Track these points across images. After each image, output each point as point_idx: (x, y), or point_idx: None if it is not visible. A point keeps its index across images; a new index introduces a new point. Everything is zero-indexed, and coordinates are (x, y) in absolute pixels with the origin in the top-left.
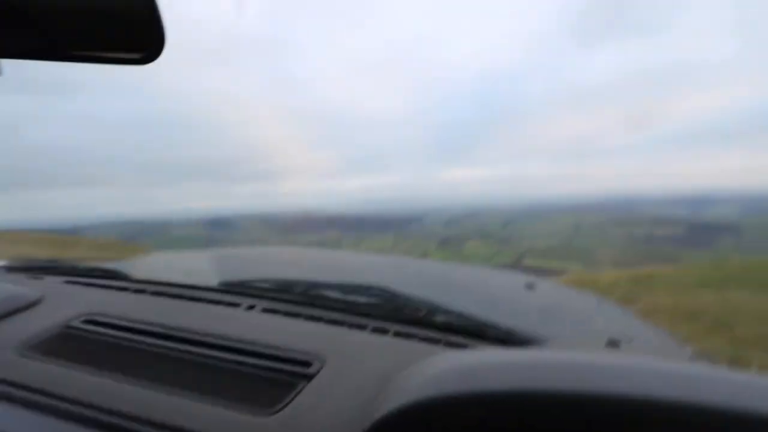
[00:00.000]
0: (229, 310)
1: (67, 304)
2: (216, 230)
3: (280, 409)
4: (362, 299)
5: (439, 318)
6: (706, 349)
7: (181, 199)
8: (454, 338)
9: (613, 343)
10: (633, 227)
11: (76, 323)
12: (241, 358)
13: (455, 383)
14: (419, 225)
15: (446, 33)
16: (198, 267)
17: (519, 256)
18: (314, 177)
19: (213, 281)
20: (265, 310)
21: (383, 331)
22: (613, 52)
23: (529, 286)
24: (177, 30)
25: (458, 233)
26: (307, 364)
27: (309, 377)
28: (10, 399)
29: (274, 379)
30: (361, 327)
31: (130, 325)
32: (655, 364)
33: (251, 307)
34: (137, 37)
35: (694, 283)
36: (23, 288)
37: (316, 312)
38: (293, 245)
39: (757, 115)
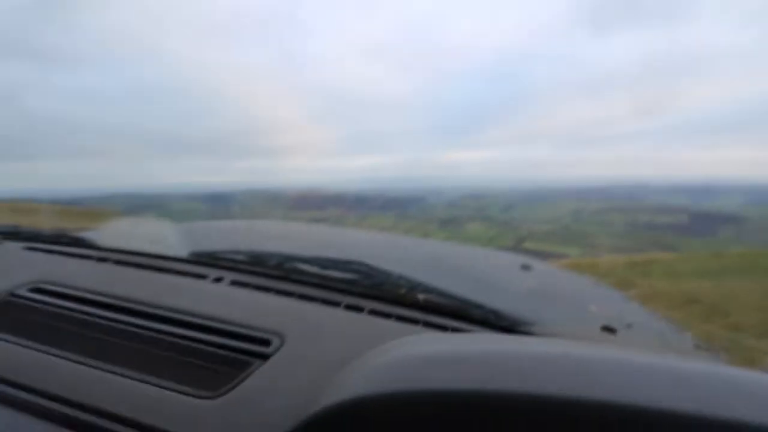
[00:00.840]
0: (195, 282)
1: (19, 271)
2: (216, 205)
3: (226, 392)
4: (340, 274)
5: (421, 296)
6: (701, 336)
7: (181, 172)
8: (434, 318)
9: (608, 330)
10: (635, 214)
11: (22, 291)
12: (195, 334)
13: (393, 380)
14: (421, 205)
15: (456, 14)
16: (170, 237)
17: (520, 239)
18: (317, 155)
19: (183, 252)
20: (234, 283)
21: (358, 309)
22: (623, 40)
23: (525, 267)
24: (181, 2)
25: (460, 214)
26: (265, 342)
27: (265, 357)
28: None
29: (227, 358)
30: (335, 304)
31: (80, 294)
32: (630, 360)
33: (218, 280)
34: None
35: (692, 271)
36: None
37: (289, 286)
38: (295, 221)
39: (761, 109)
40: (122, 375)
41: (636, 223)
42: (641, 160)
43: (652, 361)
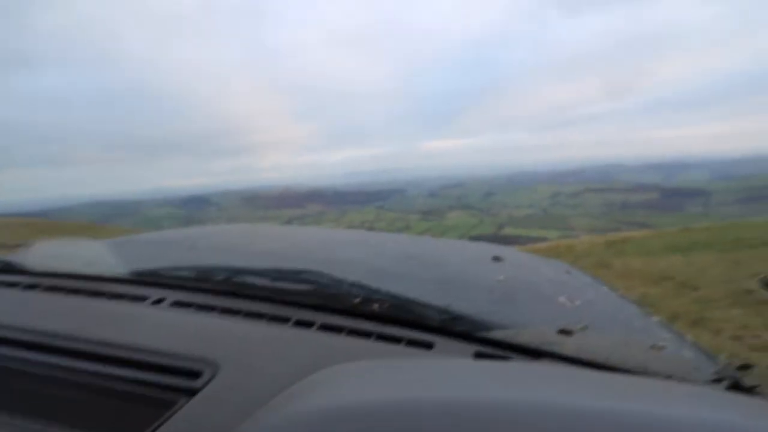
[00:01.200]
0: (131, 307)
1: None
2: (193, 208)
3: None
4: (292, 286)
5: (376, 306)
6: (673, 310)
7: (156, 176)
8: (389, 330)
9: (564, 332)
10: (609, 194)
11: None
12: (119, 372)
13: None
14: (401, 197)
15: (428, 3)
16: (108, 255)
17: (499, 225)
18: (295, 151)
19: (124, 270)
20: (175, 304)
21: (308, 324)
22: (592, 21)
23: (496, 259)
24: None
25: (440, 204)
26: (195, 374)
27: (193, 392)
28: None
29: (150, 397)
30: (284, 320)
31: None
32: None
33: (159, 301)
34: None
35: (664, 247)
36: None
37: (236, 303)
38: (273, 221)
39: (726, 84)
40: (32, 427)
41: (611, 203)
42: (614, 140)
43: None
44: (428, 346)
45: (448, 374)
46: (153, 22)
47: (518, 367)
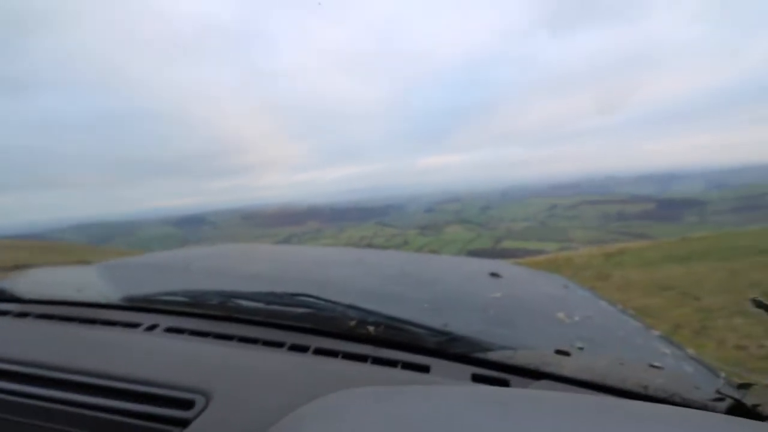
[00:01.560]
0: (124, 334)
1: None
2: (189, 227)
3: None
4: (286, 310)
5: (371, 329)
6: (676, 320)
7: (152, 197)
8: (385, 353)
9: (562, 353)
10: (606, 206)
11: None
12: (109, 403)
13: None
14: (399, 213)
15: (421, 23)
16: (101, 281)
17: (497, 239)
18: (291, 170)
19: (116, 295)
20: (169, 330)
21: (302, 349)
22: (581, 39)
23: (494, 275)
24: (145, 22)
25: (438, 219)
26: (187, 404)
27: (185, 423)
28: None
29: (142, 428)
30: (278, 344)
31: None
32: None
33: (152, 327)
34: None
35: (662, 258)
36: None
37: (230, 328)
38: (271, 238)
39: (715, 98)
40: None
41: (607, 214)
42: (608, 153)
43: None
44: (425, 369)
45: (447, 406)
46: (148, 45)
47: (517, 394)
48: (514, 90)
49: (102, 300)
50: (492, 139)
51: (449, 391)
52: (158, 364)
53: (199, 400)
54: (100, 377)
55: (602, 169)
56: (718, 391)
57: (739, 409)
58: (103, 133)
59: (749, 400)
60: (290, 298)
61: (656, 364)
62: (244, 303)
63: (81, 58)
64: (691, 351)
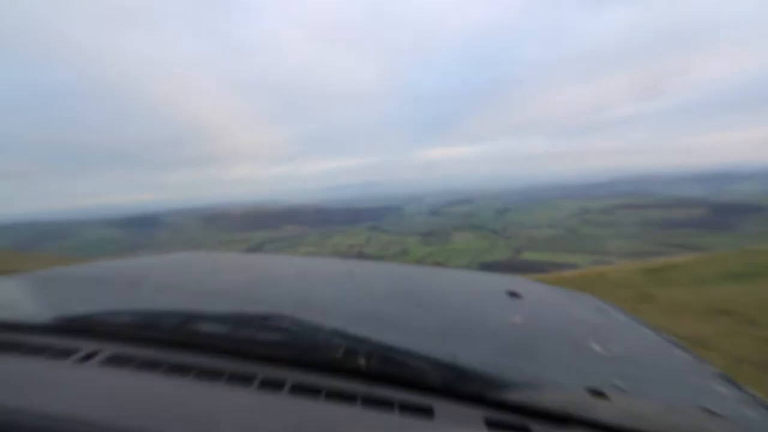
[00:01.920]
0: (54, 364)
1: None
2: (140, 229)
3: None
4: (257, 336)
5: (361, 360)
6: (735, 353)
7: (94, 192)
8: (379, 391)
9: (597, 394)
10: (646, 210)
11: None
12: None
13: None
14: (397, 215)
15: None
16: (28, 294)
17: (516, 249)
18: (267, 161)
19: (48, 315)
20: (111, 360)
21: (277, 385)
22: (619, 13)
23: (513, 295)
24: None
25: (444, 224)
26: None
27: None
28: None
29: None
30: (247, 379)
31: None
32: None
33: (90, 356)
34: None
35: (717, 275)
36: None
37: (187, 358)
38: (239, 245)
39: None
40: None
41: (648, 221)
42: (647, 147)
43: None
44: (428, 412)
45: None
46: (98, 10)
47: None
48: (537, 70)
49: (27, 320)
50: (510, 128)
51: None
52: (96, 402)
53: None
54: (17, 420)
55: (641, 166)
56: None
57: None
58: (36, 114)
59: None
60: (262, 321)
61: (713, 408)
62: (206, 326)
63: (9, 24)
64: (754, 392)
